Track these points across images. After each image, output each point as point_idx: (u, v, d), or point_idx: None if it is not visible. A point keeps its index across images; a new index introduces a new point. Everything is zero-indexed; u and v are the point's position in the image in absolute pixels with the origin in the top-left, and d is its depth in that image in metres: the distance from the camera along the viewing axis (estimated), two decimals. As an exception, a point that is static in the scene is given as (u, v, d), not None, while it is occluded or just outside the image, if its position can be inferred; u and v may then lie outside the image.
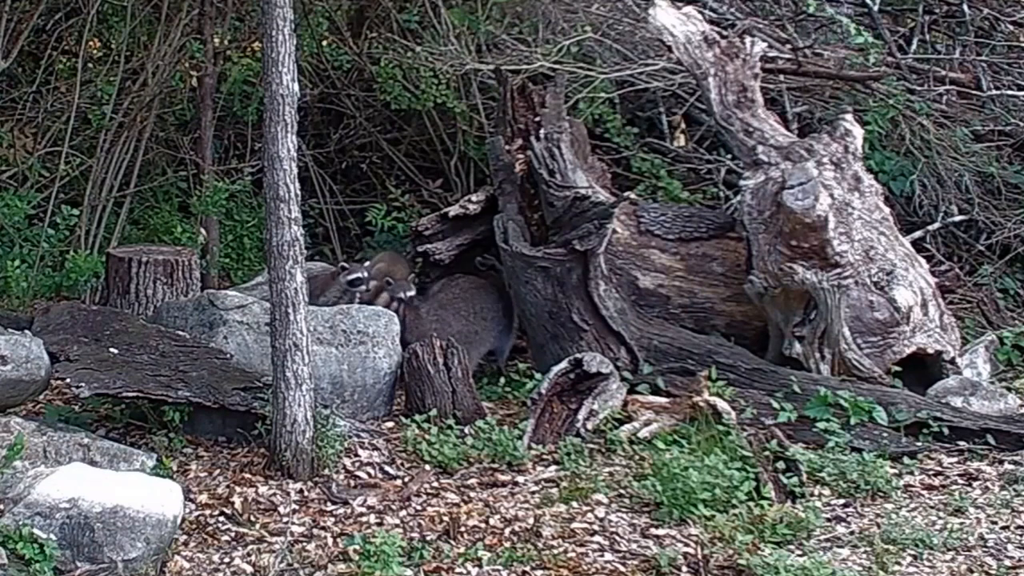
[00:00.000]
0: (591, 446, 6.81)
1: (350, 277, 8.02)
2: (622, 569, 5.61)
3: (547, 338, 7.66)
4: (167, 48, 9.90)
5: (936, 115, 9.50)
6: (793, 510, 5.97)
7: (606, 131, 9.74)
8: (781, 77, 9.62)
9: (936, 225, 9.32)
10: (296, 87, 6.31)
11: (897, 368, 7.42)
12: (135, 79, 10.07)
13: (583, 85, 9.41)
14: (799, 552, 5.66)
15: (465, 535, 5.86)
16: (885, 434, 6.81)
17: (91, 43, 10.44)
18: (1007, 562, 5.62)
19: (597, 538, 5.87)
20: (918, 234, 9.07)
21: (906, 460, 6.66)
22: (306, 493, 6.26)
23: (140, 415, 6.93)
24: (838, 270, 7.39)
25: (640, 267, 7.96)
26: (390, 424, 7.16)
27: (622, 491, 6.31)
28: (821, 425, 6.80)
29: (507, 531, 5.92)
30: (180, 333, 7.25)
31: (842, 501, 6.23)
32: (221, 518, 6.05)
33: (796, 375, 7.23)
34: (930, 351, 7.56)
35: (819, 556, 5.58)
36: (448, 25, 9.79)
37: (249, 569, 5.62)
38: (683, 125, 10.39)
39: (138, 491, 5.60)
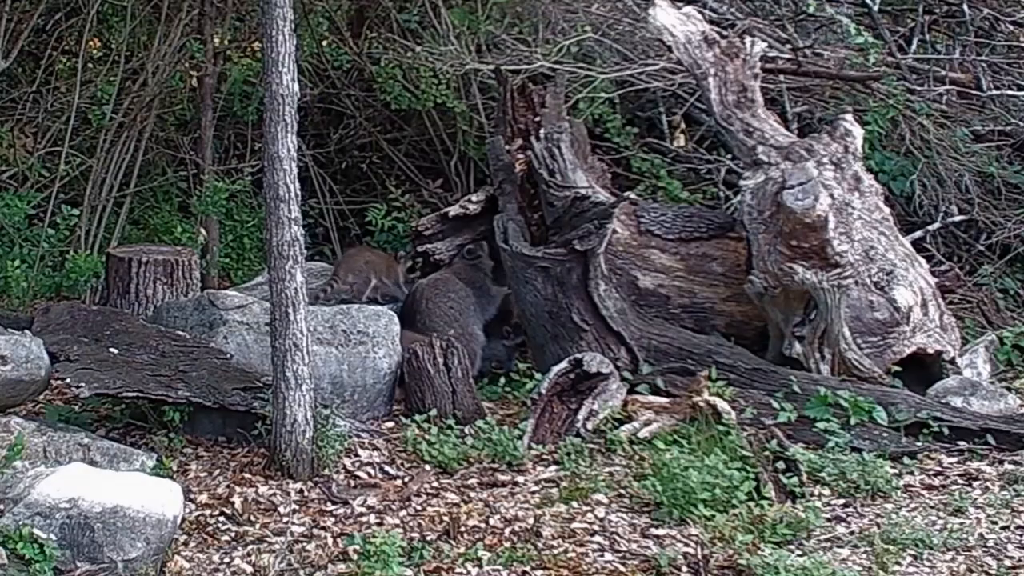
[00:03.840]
0: (591, 446, 6.81)
1: (408, 265, 8.16)
2: (622, 569, 5.60)
3: (547, 338, 7.65)
4: (167, 48, 9.91)
5: (936, 115, 9.50)
6: (793, 510, 5.97)
7: (606, 131, 9.74)
8: (781, 77, 9.62)
9: (936, 225, 9.32)
10: (296, 87, 6.31)
11: (897, 368, 7.42)
12: (135, 79, 10.08)
13: (583, 85, 9.42)
14: (799, 552, 5.66)
15: (465, 535, 5.86)
16: (885, 434, 6.80)
17: (91, 43, 10.46)
18: (1007, 562, 5.62)
19: (597, 538, 5.87)
20: (918, 234, 9.07)
21: (906, 460, 6.65)
22: (306, 493, 6.26)
23: (140, 415, 6.92)
24: (838, 270, 7.39)
25: (640, 267, 7.96)
26: (390, 424, 7.16)
27: (622, 491, 6.31)
28: (821, 425, 6.80)
29: (507, 531, 5.92)
30: (180, 333, 7.25)
31: (842, 501, 6.23)
32: (221, 518, 6.05)
33: (796, 375, 7.22)
34: (930, 351, 7.55)
35: (819, 556, 5.58)
36: (448, 25, 9.79)
37: (249, 569, 5.62)
38: (683, 125, 10.39)
39: (138, 491, 5.59)
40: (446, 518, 5.96)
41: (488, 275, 8.19)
